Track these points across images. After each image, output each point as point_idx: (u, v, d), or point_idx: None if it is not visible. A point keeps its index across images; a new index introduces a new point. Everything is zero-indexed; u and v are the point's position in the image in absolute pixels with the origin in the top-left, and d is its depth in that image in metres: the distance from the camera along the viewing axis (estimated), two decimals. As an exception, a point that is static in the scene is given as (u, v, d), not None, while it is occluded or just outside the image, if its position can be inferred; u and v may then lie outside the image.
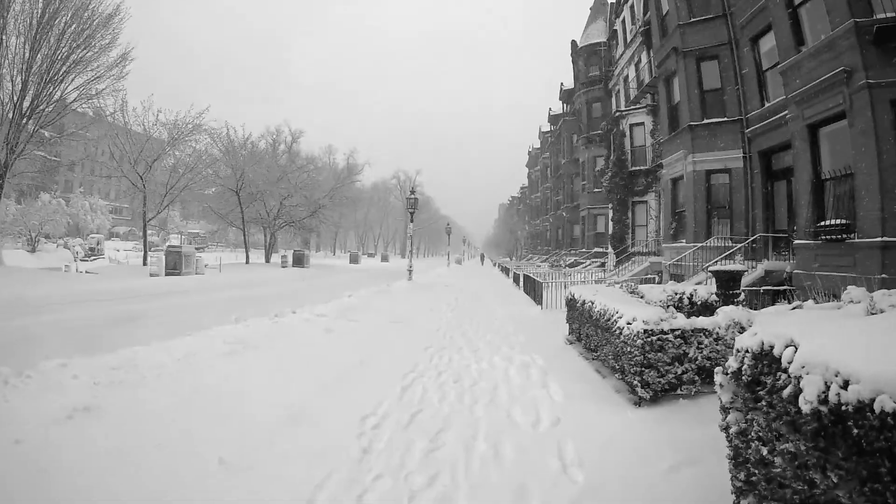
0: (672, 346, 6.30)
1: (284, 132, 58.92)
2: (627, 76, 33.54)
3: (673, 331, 6.32)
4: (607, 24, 40.57)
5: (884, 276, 11.15)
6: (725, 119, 19.43)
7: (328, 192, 50.16)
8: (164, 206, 37.95)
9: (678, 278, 18.79)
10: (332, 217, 58.79)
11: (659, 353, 6.24)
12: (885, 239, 11.33)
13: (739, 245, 16.90)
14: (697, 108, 20.23)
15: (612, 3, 39.09)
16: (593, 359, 8.55)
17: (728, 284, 9.96)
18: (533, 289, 18.03)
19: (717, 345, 6.54)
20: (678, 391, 6.38)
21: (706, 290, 11.11)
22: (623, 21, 34.29)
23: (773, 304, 12.89)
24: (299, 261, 44.09)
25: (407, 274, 25.73)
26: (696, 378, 6.44)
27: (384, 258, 74.74)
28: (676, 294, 10.79)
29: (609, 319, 7.25)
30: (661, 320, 6.32)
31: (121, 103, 33.19)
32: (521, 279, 23.82)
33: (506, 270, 39.66)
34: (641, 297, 9.85)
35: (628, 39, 33.07)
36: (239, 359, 8.19)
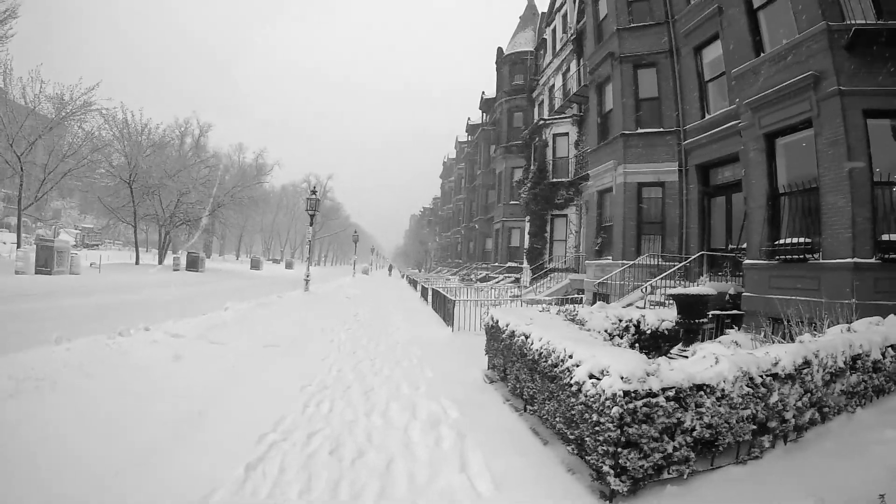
0: (663, 415, 4.14)
1: (192, 124, 54.68)
2: (553, 85, 32.10)
3: (665, 390, 4.14)
4: (536, 33, 39.44)
5: (855, 300, 9.52)
6: (661, 130, 17.98)
7: (230, 190, 46.30)
8: (43, 193, 33.17)
9: (603, 297, 17.05)
10: (235, 219, 54.90)
11: (644, 426, 4.04)
12: (857, 260, 9.77)
13: (680, 264, 15.29)
14: (632, 116, 18.66)
15: (543, 13, 37.86)
16: (526, 409, 6.26)
17: (692, 310, 7.99)
18: (443, 306, 15.73)
19: (720, 405, 4.44)
20: (665, 473, 4.26)
21: (655, 315, 9.21)
22: (553, 30, 32.98)
23: (719, 333, 11.05)
24: (193, 264, 40.08)
25: (303, 283, 22.72)
26: (691, 455, 4.29)
27: (289, 265, 70.51)
28: (621, 321, 8.80)
29: (556, 366, 5.00)
30: (649, 375, 4.11)
31: (2, 68, 28.89)
32: (430, 294, 21.47)
33: (414, 283, 37.26)
34: (582, 325, 7.71)
35: (557, 48, 31.69)
36: (19, 405, 5.41)
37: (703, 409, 4.35)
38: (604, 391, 4.03)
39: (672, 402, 4.16)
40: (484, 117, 51.42)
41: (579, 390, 4.34)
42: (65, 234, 60.49)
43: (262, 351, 9.37)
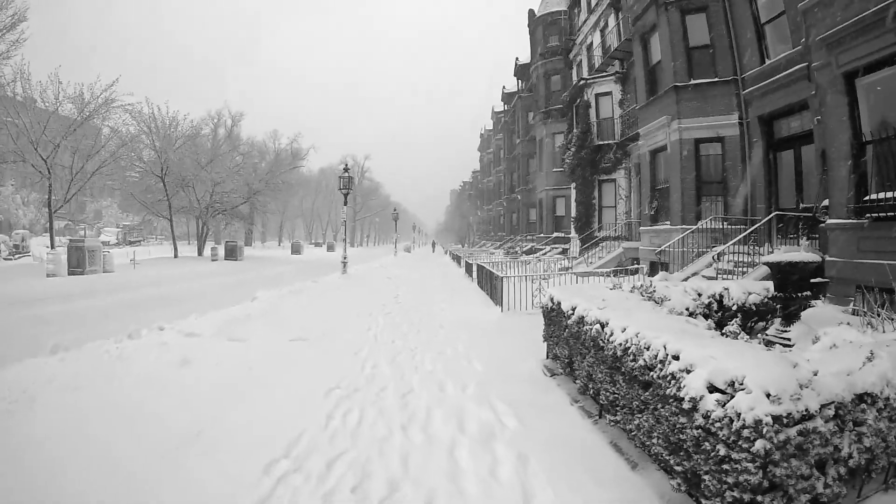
0: (819, 443, 2.84)
1: (225, 115, 54.53)
2: (591, 43, 30.26)
3: (824, 407, 2.86)
4: (568, -10, 37.37)
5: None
6: (717, 80, 16.27)
7: (264, 176, 45.67)
8: (72, 194, 32.84)
9: (663, 267, 15.60)
10: (272, 204, 54.59)
11: (794, 461, 2.76)
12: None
13: (752, 227, 13.61)
14: (683, 66, 16.97)
15: (573, -30, 35.82)
16: (602, 416, 5.02)
17: (792, 281, 6.58)
18: (489, 283, 14.48)
19: (880, 420, 3.15)
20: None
21: (739, 287, 7.82)
22: (587, -15, 31.06)
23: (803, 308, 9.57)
24: (232, 253, 39.50)
25: (341, 266, 21.64)
26: (843, 490, 3.01)
27: (330, 247, 70.11)
28: (700, 296, 7.45)
29: (652, 369, 3.71)
30: (802, 387, 2.82)
31: (20, 74, 28.47)
32: (475, 270, 20.20)
33: (457, 259, 36.04)
34: (659, 303, 6.40)
35: (593, 4, 29.82)
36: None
37: (863, 429, 3.07)
38: (738, 415, 2.76)
39: (831, 423, 2.89)
40: (519, 84, 49.52)
41: (694, 408, 3.08)
42: (105, 232, 61.31)
43: (287, 347, 8.26)
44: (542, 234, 36.27)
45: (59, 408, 5.17)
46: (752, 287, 7.95)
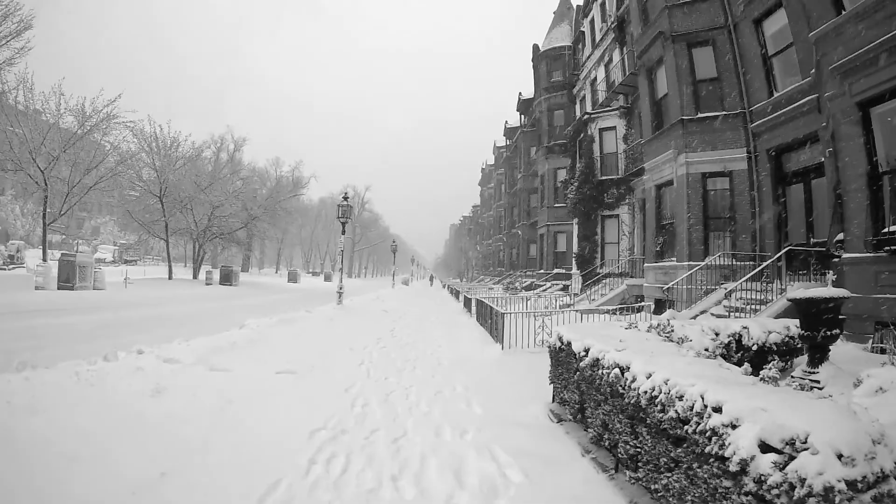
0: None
1: (227, 140, 54.75)
2: (595, 78, 30.15)
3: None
4: (572, 27, 37.51)
5: None
6: (724, 113, 15.98)
7: (263, 202, 45.35)
8: (68, 207, 32.39)
9: (669, 304, 15.09)
10: (270, 231, 54.30)
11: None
12: None
13: (765, 263, 13.09)
14: (690, 100, 16.69)
15: (578, 6, 35.92)
16: (619, 469, 4.43)
17: (819, 319, 6.06)
18: (490, 319, 13.91)
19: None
20: None
21: (759, 326, 7.31)
22: (591, 20, 31.09)
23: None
24: (227, 278, 38.92)
25: (336, 297, 21.02)
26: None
27: (327, 277, 69.54)
28: (718, 335, 6.93)
29: (687, 422, 3.15)
30: (875, 443, 2.32)
31: (23, 83, 28.26)
32: (474, 305, 19.60)
33: (456, 293, 35.45)
34: (680, 344, 5.87)
35: (597, 39, 29.77)
36: None
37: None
38: (803, 481, 2.23)
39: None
40: (522, 119, 49.50)
41: (743, 471, 2.54)
42: (102, 250, 60.94)
43: (273, 379, 7.68)
44: (542, 270, 35.75)
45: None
46: (770, 325, 7.46)
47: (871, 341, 9.25)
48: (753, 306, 12.08)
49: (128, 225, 43.29)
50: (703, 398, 3.10)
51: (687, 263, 15.57)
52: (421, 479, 4.42)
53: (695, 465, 3.02)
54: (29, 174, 28.90)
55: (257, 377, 7.70)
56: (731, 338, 6.91)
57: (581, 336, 5.43)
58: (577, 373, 5.29)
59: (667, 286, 14.61)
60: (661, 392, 3.56)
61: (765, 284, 12.68)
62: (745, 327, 7.17)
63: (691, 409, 3.16)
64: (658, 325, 6.26)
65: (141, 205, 39.01)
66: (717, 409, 2.89)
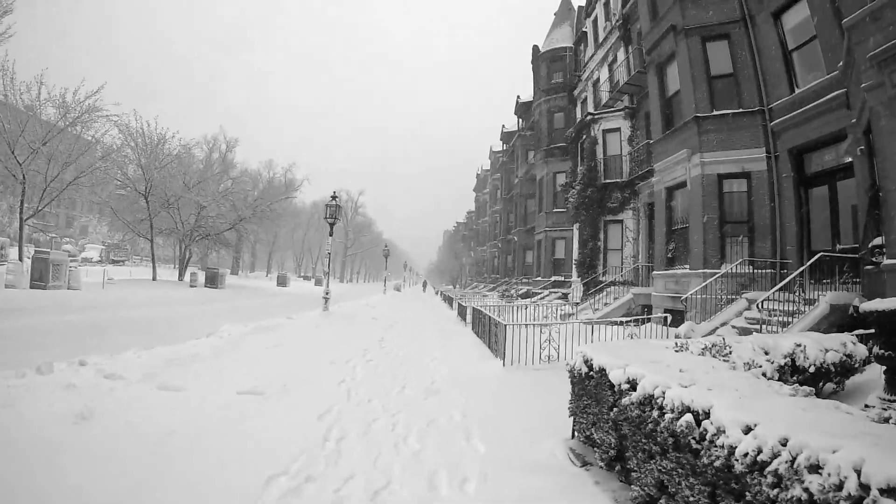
0: None
1: (220, 140, 53.57)
2: (598, 79, 28.99)
3: None
4: (573, 28, 36.41)
5: None
6: (741, 110, 14.85)
7: (252, 203, 43.98)
8: (46, 203, 30.94)
9: (680, 315, 13.88)
10: (260, 233, 53.00)
11: None
12: None
13: (795, 272, 11.75)
14: (705, 97, 15.55)
15: (580, 6, 34.82)
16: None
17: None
18: (488, 331, 12.62)
19: None
20: None
21: (816, 344, 6.11)
22: (594, 20, 29.99)
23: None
24: (212, 280, 37.48)
25: (322, 302, 19.64)
26: None
27: (318, 281, 68.06)
28: (768, 353, 5.73)
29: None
30: None
31: (2, 69, 26.97)
32: (469, 314, 18.29)
33: (449, 300, 34.13)
34: (748, 368, 4.64)
35: (600, 38, 28.65)
36: None
37: None
38: None
39: None
40: (520, 123, 48.35)
41: None
42: (89, 249, 59.49)
43: (233, 403, 6.35)
44: (539, 277, 34.50)
45: None
46: (826, 342, 6.26)
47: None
48: (780, 318, 10.86)
49: (115, 224, 41.89)
50: (858, 474, 1.89)
51: (702, 271, 14.41)
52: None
53: None
54: (7, 167, 27.54)
55: (214, 399, 6.38)
56: (787, 358, 5.69)
57: (618, 360, 4.14)
58: (615, 409, 4.03)
59: (684, 296, 13.38)
60: (774, 457, 2.33)
61: (788, 294, 11.49)
62: (798, 345, 5.95)
63: (840, 489, 1.95)
64: (713, 345, 5.01)
65: (126, 203, 37.63)
66: (890, 490, 1.67)
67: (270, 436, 5.27)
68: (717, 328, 11.91)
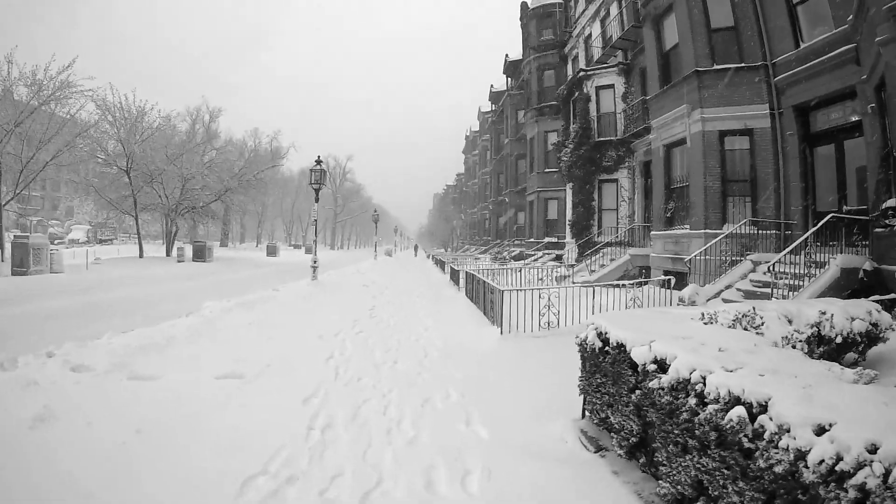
0: None
1: (203, 111, 52.37)
2: (590, 35, 28.11)
3: None
4: (563, -17, 35.28)
5: None
6: (743, 65, 14.21)
7: (238, 173, 42.99)
8: (23, 185, 29.87)
9: (681, 277, 13.42)
10: (247, 204, 52.09)
11: None
12: None
13: (808, 232, 11.15)
14: (705, 50, 14.85)
15: (570, -41, 33.70)
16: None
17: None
18: (483, 296, 12.10)
19: None
20: None
21: (842, 311, 5.63)
22: (585, -27, 28.96)
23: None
24: (200, 254, 36.72)
25: (311, 271, 19.11)
26: None
27: (308, 250, 67.57)
28: (791, 322, 5.24)
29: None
30: None
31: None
32: (462, 278, 17.75)
33: (441, 264, 33.52)
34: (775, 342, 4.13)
35: (592, -9, 27.70)
36: None
37: None
38: None
39: None
40: (509, 82, 47.28)
41: None
42: (76, 230, 58.58)
43: (210, 389, 5.82)
44: (532, 239, 33.96)
45: None
46: (852, 310, 5.77)
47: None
48: (789, 280, 10.37)
49: (100, 203, 40.84)
50: None
51: (703, 231, 13.91)
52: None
53: None
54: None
55: (189, 386, 5.83)
56: (813, 328, 5.21)
57: (640, 335, 3.61)
58: (637, 392, 3.52)
59: (687, 258, 12.90)
60: (859, 467, 1.84)
61: (793, 256, 10.97)
62: (824, 313, 5.46)
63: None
64: (743, 315, 4.50)
65: (108, 180, 36.57)
66: None
67: (249, 427, 4.75)
68: (722, 291, 11.46)
